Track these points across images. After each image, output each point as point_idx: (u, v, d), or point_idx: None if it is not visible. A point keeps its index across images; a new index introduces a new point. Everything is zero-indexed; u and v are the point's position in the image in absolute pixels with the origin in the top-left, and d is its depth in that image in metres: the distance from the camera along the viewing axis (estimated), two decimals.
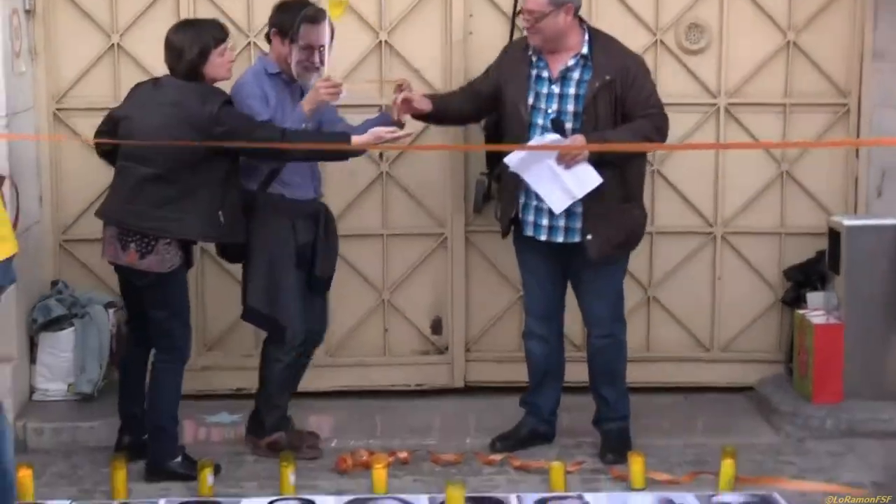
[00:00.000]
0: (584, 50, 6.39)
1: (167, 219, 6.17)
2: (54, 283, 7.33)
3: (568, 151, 6.20)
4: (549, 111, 6.38)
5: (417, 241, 7.59)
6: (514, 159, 6.33)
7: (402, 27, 7.39)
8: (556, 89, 6.40)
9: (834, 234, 7.30)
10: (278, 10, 6.52)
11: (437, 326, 7.67)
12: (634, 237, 6.61)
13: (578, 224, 6.42)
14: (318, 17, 6.37)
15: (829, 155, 7.62)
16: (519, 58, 6.53)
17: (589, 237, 6.39)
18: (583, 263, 6.49)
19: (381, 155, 7.40)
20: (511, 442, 6.82)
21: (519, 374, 7.04)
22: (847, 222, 7.23)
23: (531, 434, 6.86)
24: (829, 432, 6.96)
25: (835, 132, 7.55)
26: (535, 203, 6.46)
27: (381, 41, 7.38)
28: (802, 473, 6.44)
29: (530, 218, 6.53)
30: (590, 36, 6.44)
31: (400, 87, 6.60)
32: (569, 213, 6.39)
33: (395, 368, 7.65)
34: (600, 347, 6.70)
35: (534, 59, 6.48)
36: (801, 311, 7.35)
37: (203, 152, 6.10)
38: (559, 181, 6.27)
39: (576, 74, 6.38)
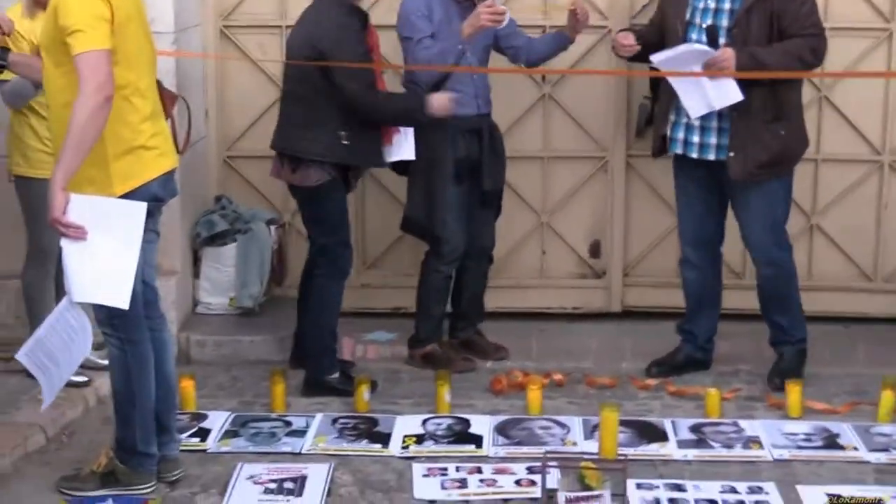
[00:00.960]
0: None
1: (296, 137, 6.34)
2: (218, 199, 7.46)
3: (714, 62, 6.14)
4: (703, 26, 6.28)
5: (578, 164, 7.55)
6: (660, 57, 6.31)
7: None
8: (711, 4, 6.29)
9: None
10: None
11: (595, 250, 7.64)
12: (783, 159, 6.40)
13: (727, 142, 6.33)
14: None
15: None
16: None
17: (731, 154, 6.29)
18: (737, 185, 6.39)
19: (543, 77, 7.36)
20: (667, 367, 6.80)
21: (676, 299, 6.99)
22: None
23: (687, 360, 6.83)
24: None
25: None
26: (685, 121, 6.39)
27: None
28: None
29: (680, 135, 6.46)
30: None
31: (574, 11, 6.62)
32: (719, 130, 6.32)
33: (552, 291, 7.65)
34: (766, 275, 6.60)
35: None
36: None
37: (320, 73, 6.20)
38: (701, 88, 6.23)
39: None
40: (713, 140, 6.37)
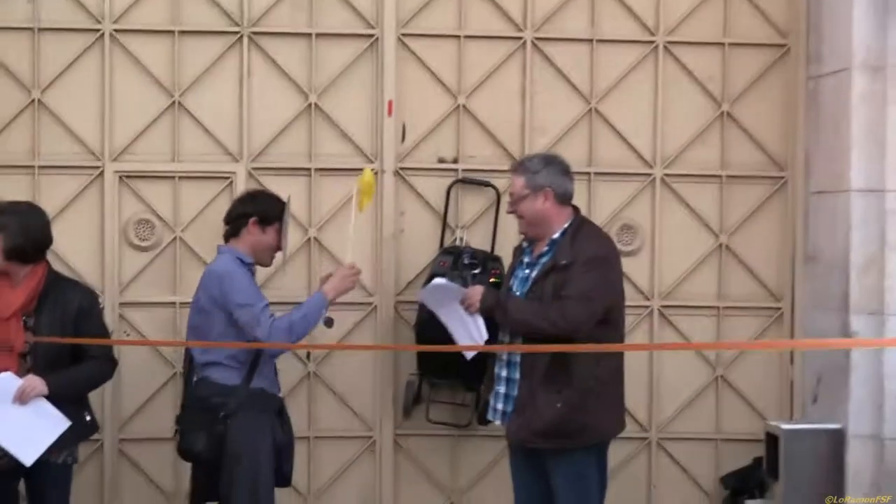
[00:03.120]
0: (556, 236, 6.19)
1: None
2: None
3: (465, 298, 6.23)
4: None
5: (345, 443, 7.33)
6: (422, 294, 6.50)
7: (331, 223, 7.26)
8: (529, 274, 6.23)
9: (772, 439, 7.12)
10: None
11: None
12: (563, 432, 6.06)
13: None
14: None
15: (763, 360, 7.53)
16: (520, 247, 6.43)
17: (512, 417, 6.16)
18: (547, 461, 6.16)
19: (308, 355, 7.20)
20: None
21: None
22: (785, 426, 7.07)
23: None
24: None
25: (768, 336, 7.46)
26: (496, 387, 6.27)
27: (310, 238, 7.27)
28: None
29: (492, 403, 6.32)
30: (572, 223, 6.23)
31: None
32: (506, 396, 6.21)
33: None
34: None
35: (525, 244, 6.37)
36: None
37: None
38: (466, 325, 6.26)
39: (545, 260, 6.19)
40: (500, 406, 6.25)
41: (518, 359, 6.18)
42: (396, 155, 7.27)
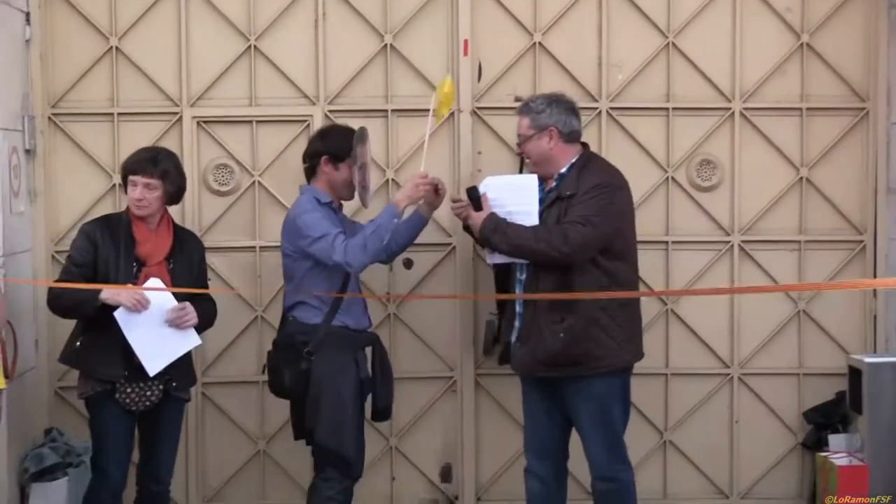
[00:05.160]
0: (564, 170, 6.22)
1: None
2: (48, 431, 7.02)
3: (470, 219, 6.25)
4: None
5: (426, 384, 7.34)
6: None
7: (410, 163, 7.21)
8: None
9: (855, 373, 7.07)
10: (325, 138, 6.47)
11: (446, 474, 7.37)
12: (571, 361, 6.06)
13: None
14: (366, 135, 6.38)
15: (846, 293, 7.45)
16: None
17: (517, 345, 6.15)
18: (571, 396, 6.17)
19: (388, 296, 7.20)
20: None
21: None
22: (869, 360, 7.01)
23: None
24: None
25: (851, 269, 7.38)
26: (516, 324, 6.26)
27: (388, 179, 7.25)
28: None
29: (514, 340, 6.32)
30: (580, 158, 6.25)
31: (436, 186, 6.47)
32: None
33: None
34: (602, 492, 6.25)
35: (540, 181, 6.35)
36: (823, 454, 7.10)
37: None
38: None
39: (552, 195, 6.20)
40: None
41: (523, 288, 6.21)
42: (473, 95, 7.23)
